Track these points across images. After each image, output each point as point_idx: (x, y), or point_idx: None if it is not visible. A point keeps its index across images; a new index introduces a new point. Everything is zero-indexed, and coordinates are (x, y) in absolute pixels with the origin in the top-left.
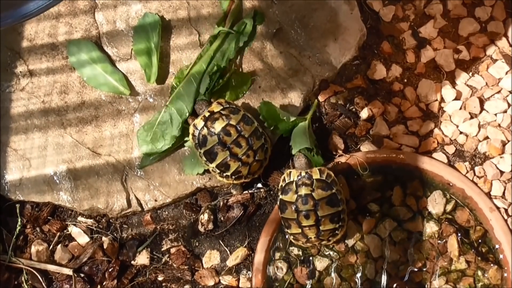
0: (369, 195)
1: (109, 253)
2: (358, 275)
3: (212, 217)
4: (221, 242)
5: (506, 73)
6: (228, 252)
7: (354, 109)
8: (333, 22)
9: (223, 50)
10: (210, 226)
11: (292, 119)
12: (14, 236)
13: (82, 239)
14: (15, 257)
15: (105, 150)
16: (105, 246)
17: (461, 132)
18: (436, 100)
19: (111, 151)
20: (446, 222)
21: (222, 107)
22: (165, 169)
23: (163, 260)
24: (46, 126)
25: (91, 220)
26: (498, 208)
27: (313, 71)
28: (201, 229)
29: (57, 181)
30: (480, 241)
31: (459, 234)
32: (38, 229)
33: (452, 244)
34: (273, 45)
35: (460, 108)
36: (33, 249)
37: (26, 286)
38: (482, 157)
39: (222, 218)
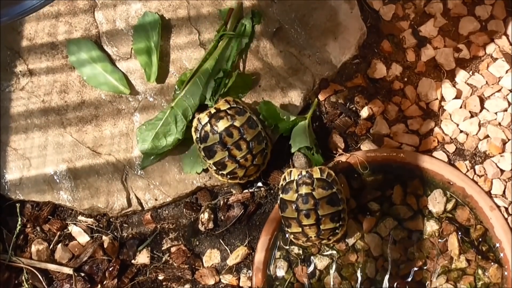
0: (369, 194)
1: (109, 252)
2: (359, 274)
3: (212, 216)
4: (221, 241)
5: (506, 71)
6: (229, 251)
7: (354, 108)
8: (333, 21)
9: (226, 53)
10: (211, 225)
11: (292, 118)
12: (15, 236)
13: (83, 238)
14: (16, 256)
15: (105, 149)
16: (105, 245)
17: (461, 131)
18: (437, 98)
19: (111, 150)
20: (447, 221)
21: (228, 106)
22: (165, 168)
23: (164, 259)
24: (46, 126)
25: (91, 219)
26: (498, 206)
27: (313, 70)
28: (202, 228)
29: (57, 181)
30: (480, 239)
31: (459, 233)
32: (38, 228)
33: (453, 242)
34: (273, 44)
35: (461, 107)
36: (34, 248)
37: (26, 285)
38: (482, 156)
39: (222, 217)
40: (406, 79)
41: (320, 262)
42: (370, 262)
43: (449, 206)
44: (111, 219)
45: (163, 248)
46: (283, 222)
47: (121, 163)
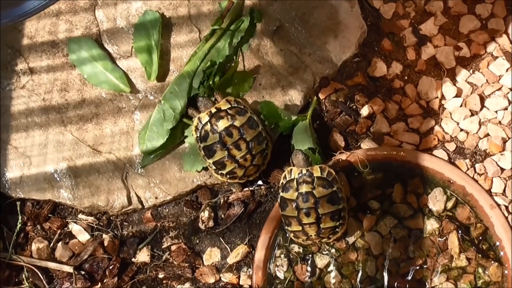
0: (369, 193)
1: (109, 251)
2: (359, 272)
3: (212, 214)
4: (221, 240)
5: (507, 70)
6: (229, 250)
7: (354, 107)
8: (334, 20)
9: (218, 47)
10: (211, 224)
11: (293, 118)
12: (15, 234)
13: (83, 236)
14: (16, 254)
15: (105, 147)
16: (105, 243)
17: (461, 129)
18: (437, 97)
19: (111, 149)
20: (447, 219)
21: (229, 106)
22: (166, 167)
23: (164, 257)
24: (47, 124)
25: (92, 218)
26: (498, 205)
27: (313, 68)
28: (202, 226)
29: (58, 179)
30: (480, 238)
31: (459, 231)
32: (38, 226)
33: (453, 241)
34: (273, 42)
35: (461, 105)
36: (34, 246)
37: (26, 284)
38: (482, 154)
39: (222, 216)
40: (406, 78)
41: (320, 261)
42: (370, 260)
43: (449, 204)
44: (111, 217)
45: (163, 247)
46: (283, 220)
47: (122, 161)
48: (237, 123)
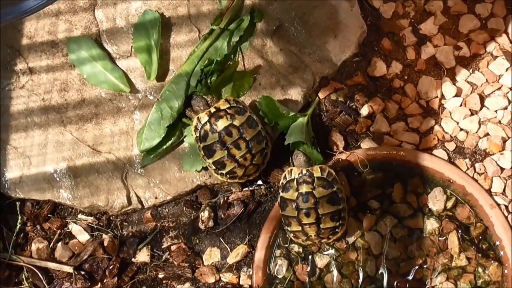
0: (369, 192)
1: (109, 251)
2: (359, 272)
3: (212, 214)
4: (221, 240)
5: (507, 69)
6: (229, 250)
7: (354, 106)
8: (333, 19)
9: (216, 46)
10: (211, 224)
11: (292, 113)
12: (15, 234)
13: (83, 236)
14: (16, 255)
15: (105, 147)
16: (105, 243)
17: (461, 129)
18: (437, 97)
19: (111, 149)
20: (447, 219)
21: (228, 105)
22: (165, 167)
23: (164, 257)
24: (46, 124)
25: (92, 218)
26: (498, 204)
27: (313, 68)
28: (202, 226)
29: (57, 179)
30: (480, 237)
31: (459, 231)
32: (38, 226)
33: (453, 241)
34: (273, 42)
35: (461, 105)
36: (34, 246)
37: (26, 284)
38: (482, 154)
39: (222, 216)
40: (406, 77)
41: (320, 261)
42: (370, 260)
43: (449, 204)
44: (111, 218)
45: (163, 247)
46: (283, 220)
47: (121, 161)
48: (236, 122)
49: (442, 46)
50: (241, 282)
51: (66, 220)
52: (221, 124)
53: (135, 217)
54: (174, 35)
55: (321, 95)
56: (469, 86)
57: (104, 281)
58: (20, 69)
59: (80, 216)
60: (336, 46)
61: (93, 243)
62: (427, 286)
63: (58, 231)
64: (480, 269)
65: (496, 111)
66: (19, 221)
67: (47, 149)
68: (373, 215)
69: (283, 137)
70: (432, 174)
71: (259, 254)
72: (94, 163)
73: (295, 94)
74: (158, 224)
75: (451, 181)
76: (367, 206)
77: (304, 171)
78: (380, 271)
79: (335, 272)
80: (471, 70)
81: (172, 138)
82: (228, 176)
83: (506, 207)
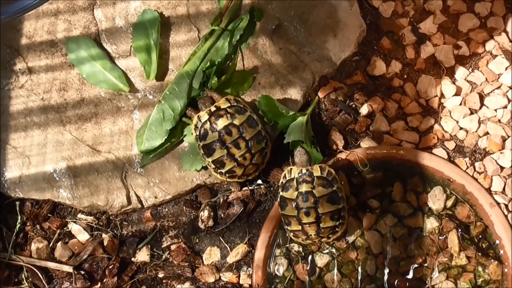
0: (369, 191)
1: (109, 250)
2: (359, 271)
3: (212, 213)
4: (221, 239)
5: (506, 68)
6: (229, 249)
7: (354, 105)
8: (333, 18)
9: (217, 46)
10: (210, 223)
11: (291, 113)
12: (14, 234)
13: (82, 236)
14: (15, 254)
15: (104, 147)
16: (105, 243)
17: (461, 128)
18: (436, 96)
19: (110, 148)
20: (447, 218)
21: (229, 105)
22: (165, 166)
23: (164, 257)
24: (46, 124)
25: (91, 217)
26: (498, 203)
27: (312, 67)
28: (201, 225)
29: (57, 179)
30: (480, 236)
31: (459, 230)
32: (38, 226)
33: (453, 239)
34: (273, 41)
35: (460, 104)
36: (33, 246)
37: (26, 284)
38: (482, 153)
39: (222, 215)
40: (405, 76)
41: (320, 260)
42: (370, 259)
43: (449, 203)
44: (111, 217)
45: (163, 246)
46: (283, 220)
47: (121, 161)
48: (236, 122)
49: (441, 45)
50: (241, 282)
51: (66, 220)
52: (221, 123)
53: (134, 216)
54: (173, 35)
55: (320, 94)
56: (468, 85)
57: (104, 280)
58: (19, 69)
59: (79, 215)
60: (335, 45)
61: (92, 243)
62: (427, 285)
63: (58, 231)
64: (480, 268)
65: (495, 110)
66: (19, 220)
67: (47, 148)
68: (373, 214)
69: (283, 137)
70: (432, 173)
71: (259, 253)
72: (93, 163)
73: (295, 93)
74: (158, 224)
75: (451, 180)
76: (367, 205)
77: (304, 170)
78: (380, 270)
79: (335, 271)
80: (470, 69)
81: (173, 139)
82: (227, 175)
83: (506, 206)
